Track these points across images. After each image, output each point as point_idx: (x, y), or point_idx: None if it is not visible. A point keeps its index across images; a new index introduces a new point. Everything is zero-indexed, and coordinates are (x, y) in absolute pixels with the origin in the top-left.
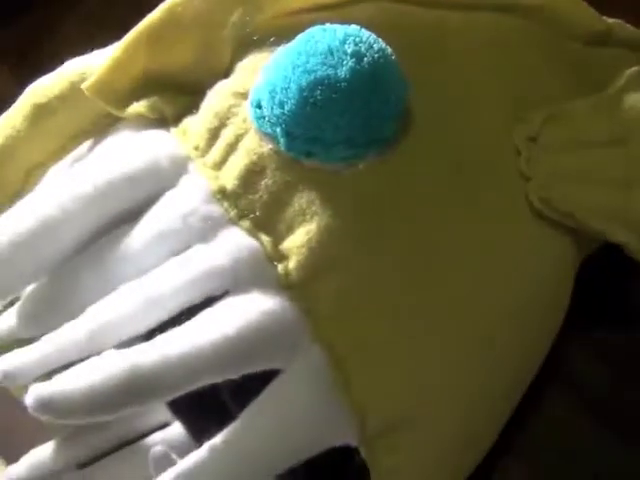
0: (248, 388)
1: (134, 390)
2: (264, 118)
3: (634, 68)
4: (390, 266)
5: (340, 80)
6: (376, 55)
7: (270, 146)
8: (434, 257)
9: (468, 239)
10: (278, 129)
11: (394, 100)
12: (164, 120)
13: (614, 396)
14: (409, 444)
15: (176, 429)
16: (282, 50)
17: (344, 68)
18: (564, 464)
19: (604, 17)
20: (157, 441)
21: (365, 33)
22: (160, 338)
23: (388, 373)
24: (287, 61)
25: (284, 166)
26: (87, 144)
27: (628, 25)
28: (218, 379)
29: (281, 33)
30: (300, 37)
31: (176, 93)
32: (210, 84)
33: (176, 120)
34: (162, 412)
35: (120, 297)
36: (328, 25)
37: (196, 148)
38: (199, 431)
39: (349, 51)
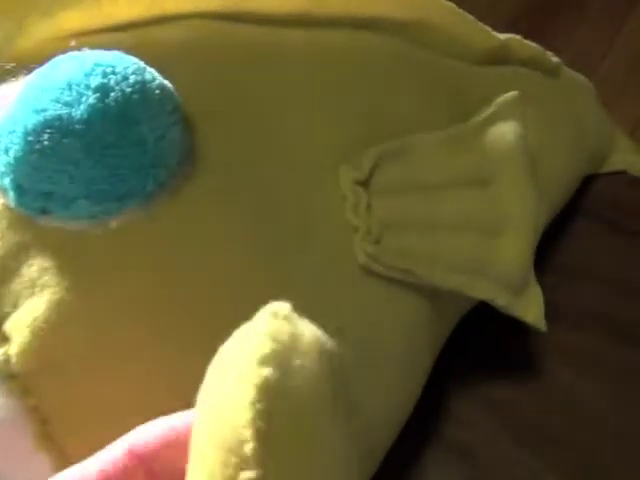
0: None
1: None
2: None
3: (506, 95)
4: (137, 355)
5: (74, 121)
6: (129, 89)
7: (2, 200)
8: (199, 341)
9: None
10: (7, 180)
11: (153, 145)
12: None
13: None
14: None
15: None
16: (23, 84)
17: (82, 106)
18: None
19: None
20: None
21: (126, 62)
22: None
23: None
24: (18, 98)
25: (16, 225)
26: None
27: (526, 41)
28: None
29: (43, 61)
30: (42, 68)
31: None
32: None
33: None
34: None
35: None
36: (81, 53)
37: None
38: None
39: (93, 85)
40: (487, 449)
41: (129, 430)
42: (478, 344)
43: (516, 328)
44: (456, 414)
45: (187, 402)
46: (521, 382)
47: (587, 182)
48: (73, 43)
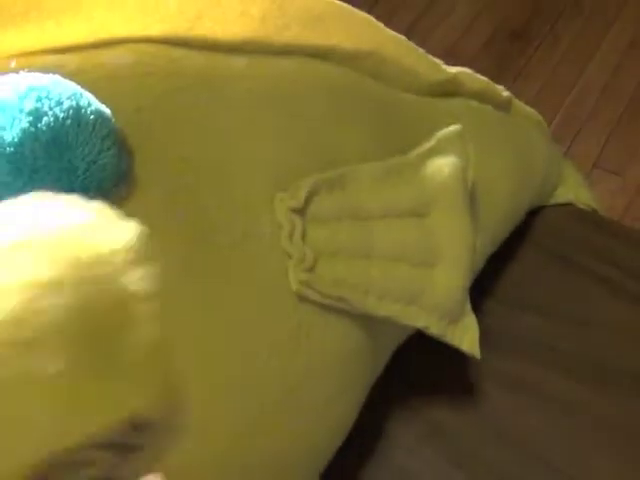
0: None
1: None
2: None
3: (447, 129)
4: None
5: (6, 144)
6: (62, 114)
7: None
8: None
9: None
10: None
11: (85, 169)
12: None
13: None
14: None
15: None
16: None
17: (14, 129)
18: None
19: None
20: None
21: (62, 86)
22: None
23: None
24: None
25: None
26: None
27: (477, 75)
28: None
29: None
30: None
31: None
32: None
33: None
34: None
35: None
36: (18, 75)
37: None
38: None
39: (27, 109)
40: (426, 474)
41: None
42: (420, 370)
43: (456, 355)
44: (397, 440)
45: None
46: (460, 409)
47: (535, 213)
48: (13, 64)
